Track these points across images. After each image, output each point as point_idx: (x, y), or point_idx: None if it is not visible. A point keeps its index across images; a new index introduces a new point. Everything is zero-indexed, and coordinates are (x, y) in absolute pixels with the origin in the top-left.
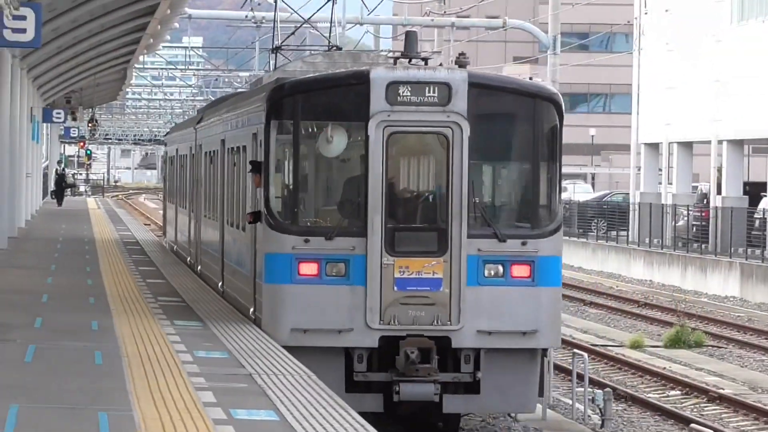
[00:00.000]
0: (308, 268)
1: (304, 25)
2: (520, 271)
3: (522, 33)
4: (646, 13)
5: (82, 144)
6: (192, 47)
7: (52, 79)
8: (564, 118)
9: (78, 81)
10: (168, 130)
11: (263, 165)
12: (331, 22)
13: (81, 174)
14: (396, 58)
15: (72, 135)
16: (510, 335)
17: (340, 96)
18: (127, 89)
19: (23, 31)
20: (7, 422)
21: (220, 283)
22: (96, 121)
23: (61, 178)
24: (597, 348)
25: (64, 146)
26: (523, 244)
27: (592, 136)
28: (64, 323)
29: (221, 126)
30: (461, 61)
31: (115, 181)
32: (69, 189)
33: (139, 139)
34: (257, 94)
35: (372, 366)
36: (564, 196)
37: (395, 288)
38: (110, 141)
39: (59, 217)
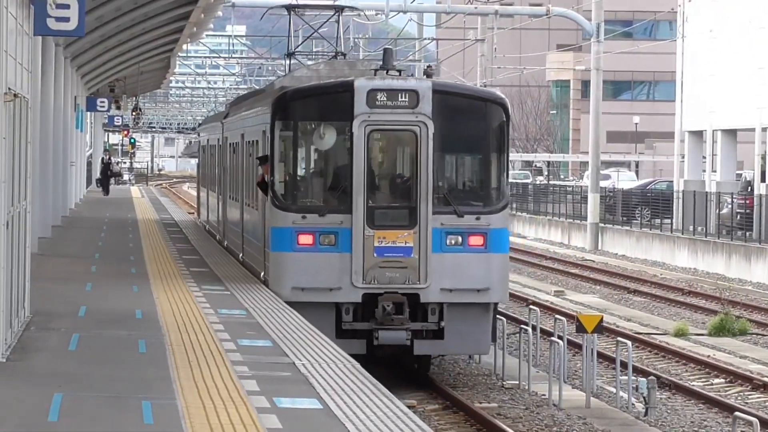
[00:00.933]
0: (305, 239)
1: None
2: (475, 240)
3: (566, 20)
4: (689, 1)
5: (126, 132)
6: (235, 36)
7: (96, 67)
8: (510, 119)
9: (122, 70)
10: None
11: (269, 157)
12: (337, 33)
13: (125, 162)
14: (376, 70)
15: (116, 124)
16: (467, 292)
17: (330, 101)
18: (171, 78)
19: (67, 20)
20: (51, 410)
21: (240, 254)
22: (140, 109)
23: (107, 167)
24: (641, 336)
25: (108, 135)
26: (477, 219)
27: (636, 123)
28: (108, 312)
29: (241, 122)
30: (428, 72)
31: (159, 170)
32: (114, 178)
33: (182, 128)
34: (267, 98)
35: (356, 317)
36: (607, 183)
37: (375, 254)
38: (154, 129)
39: (103, 206)
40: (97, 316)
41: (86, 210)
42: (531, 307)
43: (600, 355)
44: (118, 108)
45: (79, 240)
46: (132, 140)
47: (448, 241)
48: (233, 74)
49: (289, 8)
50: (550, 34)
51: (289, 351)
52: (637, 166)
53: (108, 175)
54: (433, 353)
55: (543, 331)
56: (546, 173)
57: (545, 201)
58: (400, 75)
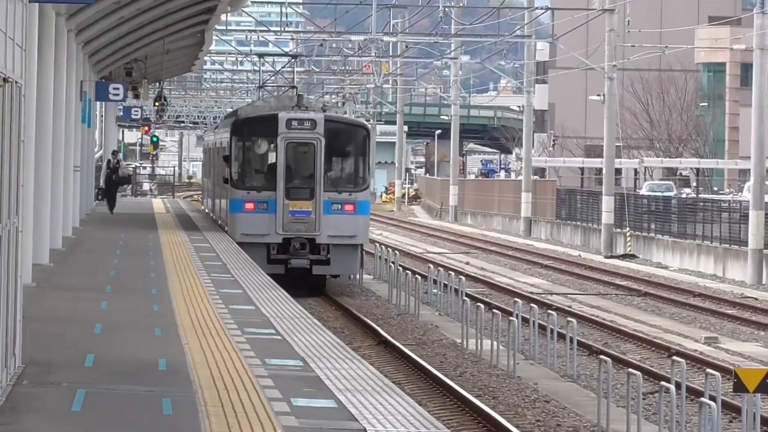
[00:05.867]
0: (249, 206)
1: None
2: (348, 208)
3: None
4: None
5: (146, 129)
6: (289, 2)
7: (108, 44)
8: (371, 136)
9: (141, 47)
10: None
11: (229, 157)
12: (293, 74)
13: (145, 167)
14: (293, 107)
15: (133, 117)
16: (343, 237)
17: (265, 124)
18: (206, 58)
19: None
20: None
21: (213, 216)
22: (165, 99)
23: (113, 173)
24: None
25: (123, 132)
26: (350, 194)
27: None
28: (122, 361)
29: (219, 134)
30: (324, 108)
31: (189, 177)
32: (124, 185)
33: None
34: (230, 119)
35: (279, 252)
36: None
37: (290, 215)
38: (183, 125)
39: (116, 224)
40: (109, 366)
41: (95, 229)
42: (674, 358)
43: (765, 421)
44: (137, 97)
45: (85, 268)
46: (154, 138)
47: (333, 208)
48: (286, 53)
49: (260, 55)
50: (700, 4)
51: (359, 413)
52: None
53: (115, 183)
54: (324, 273)
55: (690, 390)
56: (694, 184)
57: (693, 221)
58: (306, 110)
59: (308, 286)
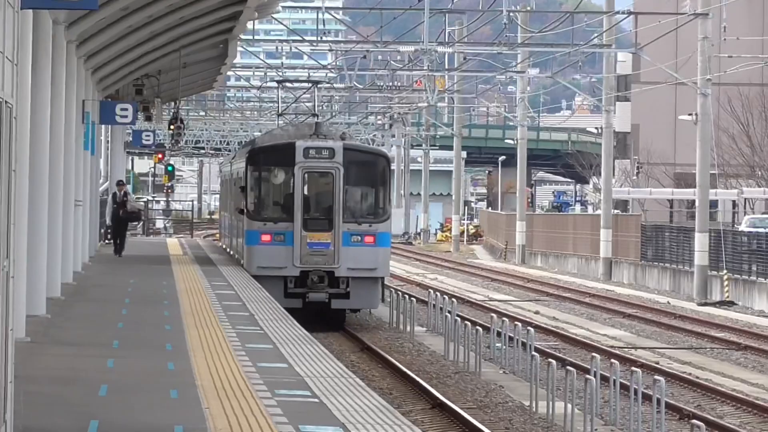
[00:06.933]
0: (266, 237)
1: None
2: (368, 239)
3: None
4: None
5: (159, 156)
6: (327, 8)
7: (115, 57)
8: (391, 165)
9: (153, 61)
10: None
11: (245, 187)
12: (314, 101)
13: (158, 201)
14: (310, 135)
15: (145, 142)
16: (364, 270)
17: (282, 154)
18: (229, 73)
19: None
20: None
21: (230, 251)
22: (181, 121)
23: (120, 208)
24: None
25: (133, 160)
26: (370, 226)
27: None
28: (132, 428)
29: (236, 165)
30: (342, 136)
31: (210, 213)
32: (133, 222)
33: None
34: (246, 149)
35: (296, 285)
36: None
37: (308, 247)
38: (203, 152)
39: (125, 268)
40: None
41: (100, 274)
42: None
43: None
44: (149, 119)
45: (89, 320)
46: (169, 168)
47: (352, 240)
48: (324, 66)
49: (279, 82)
50: None
51: None
52: None
53: (123, 221)
54: (343, 307)
55: None
56: None
57: None
58: (325, 138)
59: (327, 320)
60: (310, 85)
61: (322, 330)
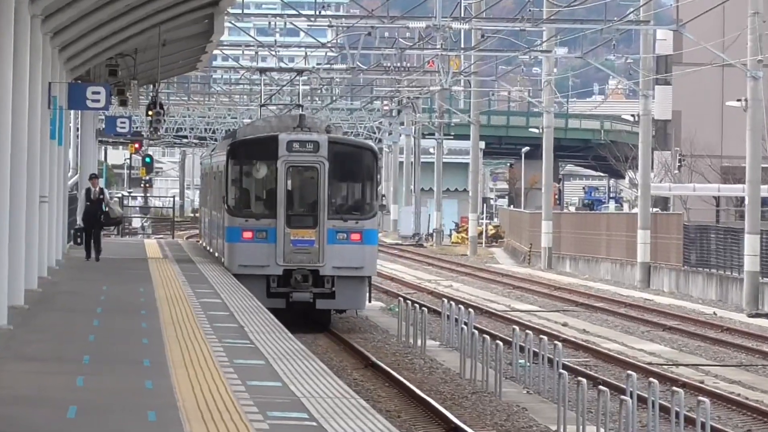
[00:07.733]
0: (247, 234)
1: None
2: (354, 237)
3: None
4: None
5: (136, 146)
6: None
7: (86, 33)
8: (379, 159)
9: (129, 38)
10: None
11: (226, 182)
12: (300, 93)
13: (135, 198)
14: (294, 127)
15: (119, 131)
16: (350, 269)
17: (264, 147)
18: (215, 52)
19: None
20: None
21: (211, 249)
22: (161, 106)
23: (96, 207)
24: None
25: (106, 150)
26: (356, 222)
27: None
28: None
29: (216, 157)
30: (327, 129)
31: (194, 211)
32: (111, 225)
33: None
34: (227, 141)
35: (279, 284)
36: None
37: (291, 245)
38: (185, 141)
39: (97, 272)
40: None
41: (69, 279)
42: None
43: None
44: (124, 104)
45: (56, 332)
46: (147, 159)
47: (337, 237)
48: (323, 44)
49: (261, 71)
50: None
51: None
52: None
53: (98, 223)
54: (328, 308)
55: None
56: None
57: None
58: (309, 131)
59: (311, 321)
60: (295, 74)
61: (305, 331)
